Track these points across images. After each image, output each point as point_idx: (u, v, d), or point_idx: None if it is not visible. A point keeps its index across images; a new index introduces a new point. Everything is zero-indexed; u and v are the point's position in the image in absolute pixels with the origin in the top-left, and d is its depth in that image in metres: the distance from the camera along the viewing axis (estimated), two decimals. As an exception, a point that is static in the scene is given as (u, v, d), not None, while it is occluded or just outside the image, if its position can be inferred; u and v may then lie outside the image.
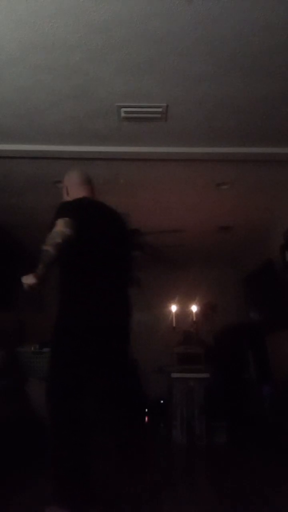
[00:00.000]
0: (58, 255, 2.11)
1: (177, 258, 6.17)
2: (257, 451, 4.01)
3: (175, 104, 3.02)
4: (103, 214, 2.47)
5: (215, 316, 6.38)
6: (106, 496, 2.31)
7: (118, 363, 2.38)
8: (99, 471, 2.24)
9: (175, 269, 6.43)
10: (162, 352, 5.71)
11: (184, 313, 6.15)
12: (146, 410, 5.83)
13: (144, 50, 2.52)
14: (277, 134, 3.38)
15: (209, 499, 2.66)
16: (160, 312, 6.37)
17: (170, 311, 6.07)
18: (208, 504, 2.56)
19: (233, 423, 4.55)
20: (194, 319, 5.99)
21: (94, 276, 2.27)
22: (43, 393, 2.30)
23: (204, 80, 2.78)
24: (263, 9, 2.24)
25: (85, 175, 2.63)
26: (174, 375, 4.71)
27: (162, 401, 5.69)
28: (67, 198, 2.55)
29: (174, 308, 6.05)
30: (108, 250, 2.35)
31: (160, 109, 3.05)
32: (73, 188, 2.57)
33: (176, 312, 5.99)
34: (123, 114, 3.10)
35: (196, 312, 6.07)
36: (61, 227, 2.14)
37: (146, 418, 5.77)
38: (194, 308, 6.11)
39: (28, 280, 2.12)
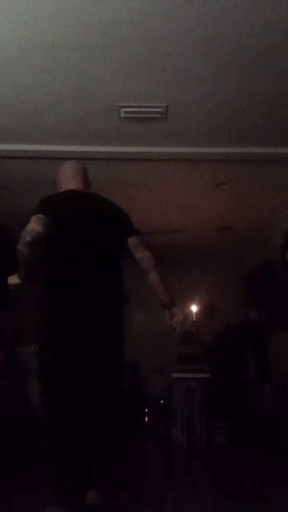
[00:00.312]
0: (30, 253, 2.15)
1: (177, 258, 6.17)
2: (257, 451, 4.00)
3: (175, 104, 3.02)
4: (86, 206, 2.39)
5: (215, 316, 6.37)
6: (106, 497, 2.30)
7: (107, 353, 2.30)
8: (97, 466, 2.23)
9: (175, 269, 6.42)
10: (162, 352, 5.71)
11: (184, 313, 6.13)
12: (146, 410, 5.83)
13: (144, 50, 2.52)
14: (277, 134, 3.38)
15: (209, 499, 2.66)
16: (160, 312, 6.35)
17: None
18: (208, 504, 2.56)
19: (233, 423, 4.54)
20: (194, 319, 5.98)
21: (70, 270, 2.24)
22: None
23: (204, 80, 2.78)
24: (263, 9, 2.24)
25: (77, 167, 2.57)
26: (174, 375, 4.70)
27: (162, 401, 5.68)
28: (60, 191, 2.55)
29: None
30: (87, 243, 2.28)
31: (160, 109, 3.05)
32: (64, 181, 2.56)
33: (176, 312, 5.97)
34: (123, 114, 3.10)
35: (196, 312, 6.06)
36: (32, 224, 2.17)
37: (146, 418, 5.77)
38: (194, 308, 6.10)
39: (13, 280, 2.23)
